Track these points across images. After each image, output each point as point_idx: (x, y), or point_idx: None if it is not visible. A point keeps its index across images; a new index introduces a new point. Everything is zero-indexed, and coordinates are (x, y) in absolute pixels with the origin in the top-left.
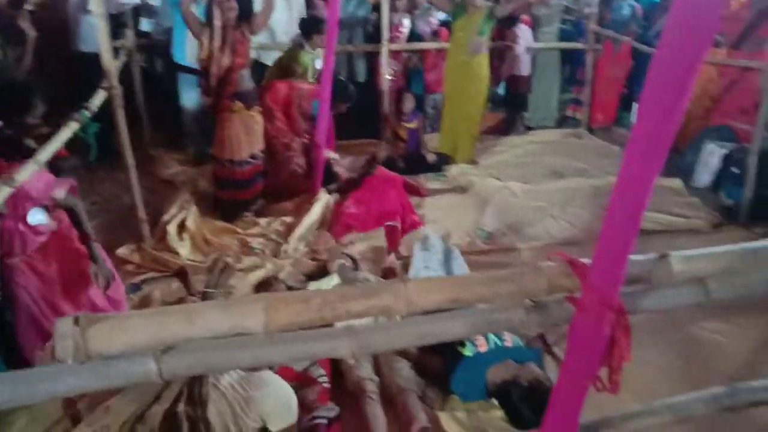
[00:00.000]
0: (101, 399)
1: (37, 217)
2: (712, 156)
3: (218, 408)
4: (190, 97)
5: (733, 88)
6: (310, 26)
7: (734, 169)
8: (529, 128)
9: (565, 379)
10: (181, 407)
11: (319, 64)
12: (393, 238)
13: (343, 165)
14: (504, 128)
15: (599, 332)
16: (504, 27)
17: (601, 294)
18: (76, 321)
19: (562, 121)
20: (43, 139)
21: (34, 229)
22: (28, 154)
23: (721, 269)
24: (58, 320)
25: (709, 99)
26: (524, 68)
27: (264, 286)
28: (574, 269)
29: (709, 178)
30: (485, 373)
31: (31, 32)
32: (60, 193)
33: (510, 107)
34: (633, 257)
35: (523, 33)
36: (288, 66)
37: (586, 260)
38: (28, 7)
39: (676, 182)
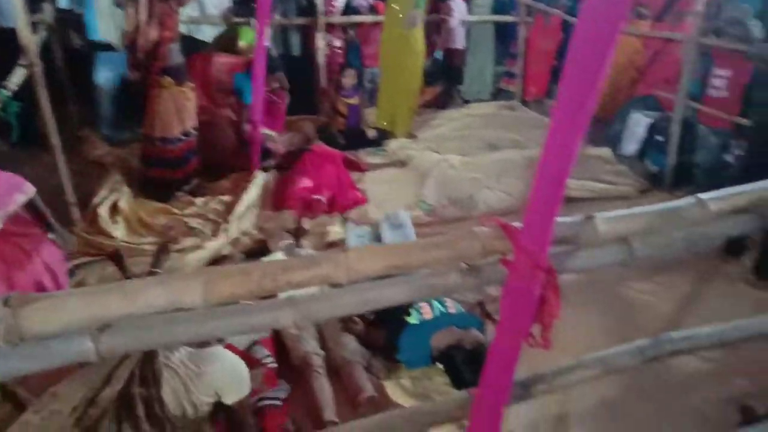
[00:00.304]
0: (44, 384)
1: None
2: (638, 125)
3: (171, 386)
4: (104, 75)
5: (657, 59)
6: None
7: (659, 138)
8: (466, 101)
9: (500, 337)
10: (134, 388)
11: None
12: (315, 211)
13: (279, 141)
14: (441, 102)
15: (530, 291)
16: (439, 0)
17: (531, 255)
18: (6, 302)
19: (497, 94)
20: None
21: None
22: None
23: (643, 229)
24: None
25: (634, 70)
26: (459, 41)
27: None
28: (506, 233)
29: (636, 146)
30: (429, 339)
31: None
32: (21, 198)
33: (446, 80)
34: (561, 220)
35: (458, 6)
36: (229, 43)
37: (517, 224)
38: None
39: (605, 151)
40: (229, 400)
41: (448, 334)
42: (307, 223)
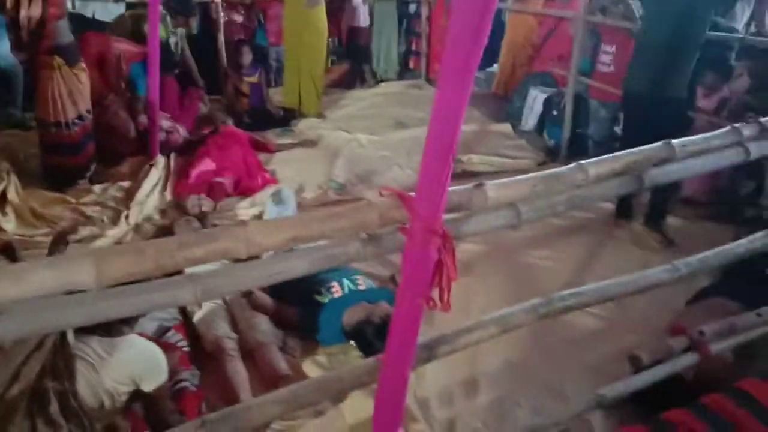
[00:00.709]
0: None
1: None
2: (535, 101)
3: (86, 378)
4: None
5: (551, 36)
6: (186, 8)
7: (554, 112)
8: (379, 81)
9: (401, 301)
10: (47, 382)
11: (173, 41)
12: (217, 194)
13: (176, 130)
14: (348, 81)
15: (427, 256)
16: None
17: (426, 221)
18: None
19: (404, 73)
20: None
21: None
22: None
23: (529, 194)
24: None
25: (530, 47)
26: (363, 20)
27: None
28: (402, 202)
29: (534, 121)
30: (341, 316)
31: None
32: None
33: (353, 59)
34: (454, 188)
35: None
36: (137, 32)
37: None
38: None
39: (506, 127)
40: (148, 387)
41: (359, 310)
42: (207, 206)
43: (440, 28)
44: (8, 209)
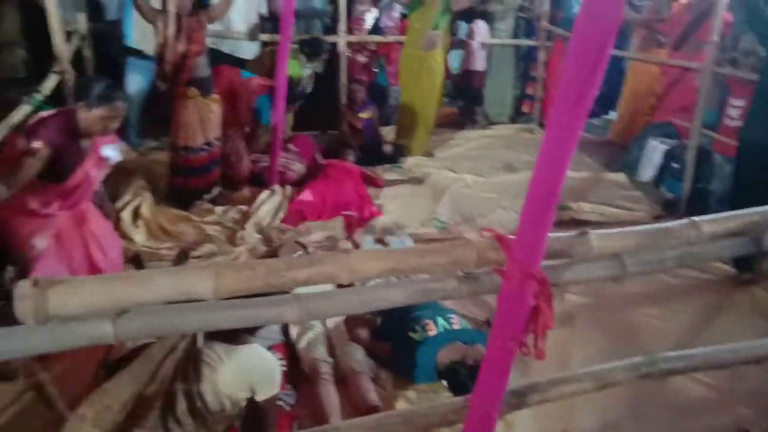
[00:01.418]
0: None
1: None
2: (655, 152)
3: (211, 382)
4: (135, 80)
5: (675, 86)
6: (317, 47)
7: (675, 165)
8: (491, 123)
9: (493, 344)
10: (177, 384)
11: (307, 73)
12: (350, 227)
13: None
14: (459, 122)
15: (523, 301)
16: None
17: (524, 265)
18: (36, 283)
19: (517, 117)
20: None
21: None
22: None
23: (635, 246)
24: (19, 283)
25: (653, 96)
26: (479, 64)
27: None
28: (500, 243)
29: (652, 172)
30: (435, 355)
31: None
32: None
33: (465, 101)
34: (556, 234)
35: (480, 29)
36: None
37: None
38: None
39: (621, 176)
40: (262, 396)
41: (454, 350)
42: (359, 236)
43: (557, 74)
44: (140, 222)
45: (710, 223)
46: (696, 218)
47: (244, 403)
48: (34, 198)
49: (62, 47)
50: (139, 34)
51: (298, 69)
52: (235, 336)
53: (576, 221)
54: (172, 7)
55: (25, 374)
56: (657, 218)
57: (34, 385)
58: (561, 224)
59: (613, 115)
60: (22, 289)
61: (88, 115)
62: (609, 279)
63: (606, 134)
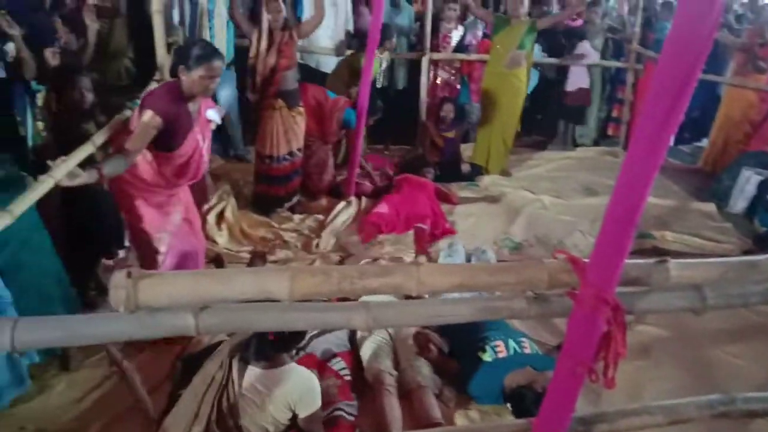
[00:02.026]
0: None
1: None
2: (748, 182)
3: (249, 414)
4: (224, 93)
5: None
6: (384, 35)
7: None
8: (576, 145)
9: (561, 368)
10: (213, 426)
11: (383, 65)
12: (421, 239)
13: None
14: (541, 141)
15: (595, 326)
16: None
17: (598, 290)
18: (129, 274)
19: (601, 139)
20: (99, 126)
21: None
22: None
23: (717, 278)
24: (114, 272)
25: (748, 124)
26: (584, 81)
27: None
28: (573, 266)
29: (744, 204)
30: (503, 378)
31: (93, 25)
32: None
33: (566, 119)
34: (634, 261)
35: (586, 48)
36: (350, 69)
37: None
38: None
39: (710, 206)
40: (303, 413)
41: (523, 374)
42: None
43: (646, 97)
44: (223, 226)
45: None
46: None
47: (287, 422)
48: (158, 174)
49: (163, 58)
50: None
51: (375, 66)
52: (275, 357)
53: (658, 250)
54: (265, 22)
55: (110, 362)
56: (746, 252)
57: (119, 372)
58: (642, 253)
59: (705, 142)
60: (117, 279)
61: (189, 77)
62: (687, 310)
63: (696, 162)
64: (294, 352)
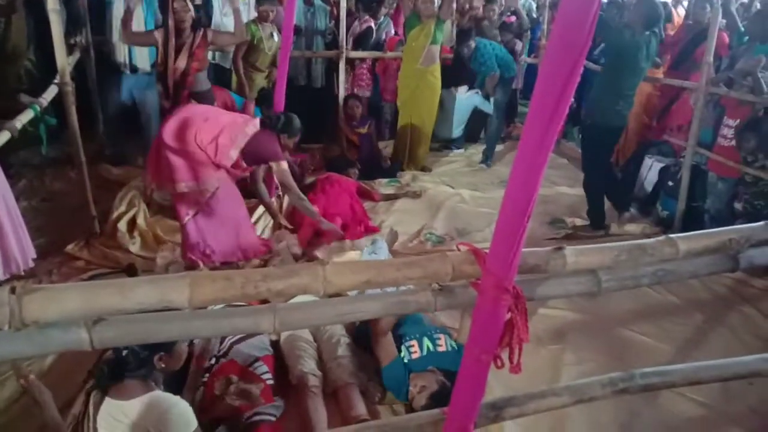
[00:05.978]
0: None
1: None
2: (650, 170)
3: None
4: (111, 98)
5: (671, 106)
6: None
7: (670, 183)
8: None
9: (468, 357)
10: None
11: (275, 37)
12: (329, 238)
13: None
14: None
15: (498, 314)
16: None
17: (498, 279)
18: (13, 290)
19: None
20: None
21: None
22: None
23: (610, 262)
24: None
25: (647, 115)
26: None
27: None
28: (475, 257)
29: (648, 189)
30: (407, 378)
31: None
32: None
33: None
34: (531, 249)
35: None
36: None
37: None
38: None
39: None
40: None
41: (424, 377)
42: (322, 252)
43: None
44: (135, 233)
45: (686, 240)
46: (673, 235)
47: None
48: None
49: (63, 60)
50: (137, 52)
51: (255, 31)
52: (148, 376)
53: (571, 236)
54: (171, 20)
55: (17, 377)
56: (650, 236)
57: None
58: (557, 240)
59: None
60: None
61: (288, 141)
62: (585, 294)
63: None
64: (160, 381)
